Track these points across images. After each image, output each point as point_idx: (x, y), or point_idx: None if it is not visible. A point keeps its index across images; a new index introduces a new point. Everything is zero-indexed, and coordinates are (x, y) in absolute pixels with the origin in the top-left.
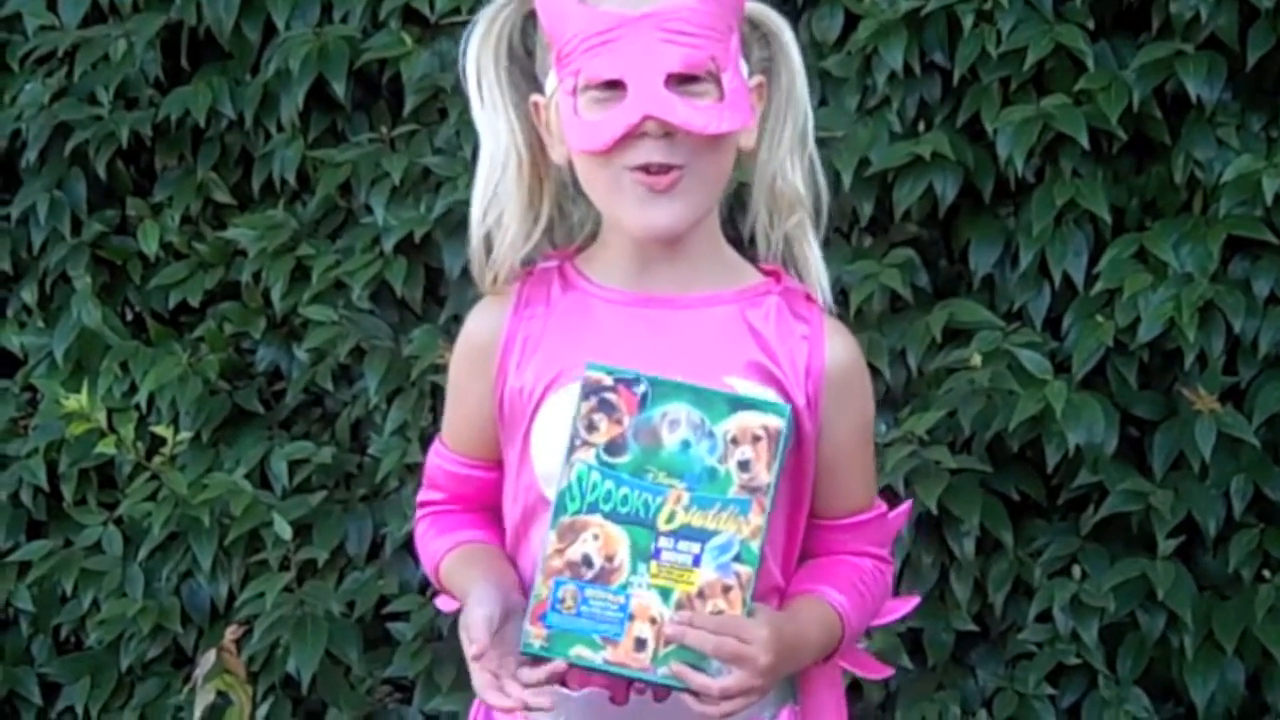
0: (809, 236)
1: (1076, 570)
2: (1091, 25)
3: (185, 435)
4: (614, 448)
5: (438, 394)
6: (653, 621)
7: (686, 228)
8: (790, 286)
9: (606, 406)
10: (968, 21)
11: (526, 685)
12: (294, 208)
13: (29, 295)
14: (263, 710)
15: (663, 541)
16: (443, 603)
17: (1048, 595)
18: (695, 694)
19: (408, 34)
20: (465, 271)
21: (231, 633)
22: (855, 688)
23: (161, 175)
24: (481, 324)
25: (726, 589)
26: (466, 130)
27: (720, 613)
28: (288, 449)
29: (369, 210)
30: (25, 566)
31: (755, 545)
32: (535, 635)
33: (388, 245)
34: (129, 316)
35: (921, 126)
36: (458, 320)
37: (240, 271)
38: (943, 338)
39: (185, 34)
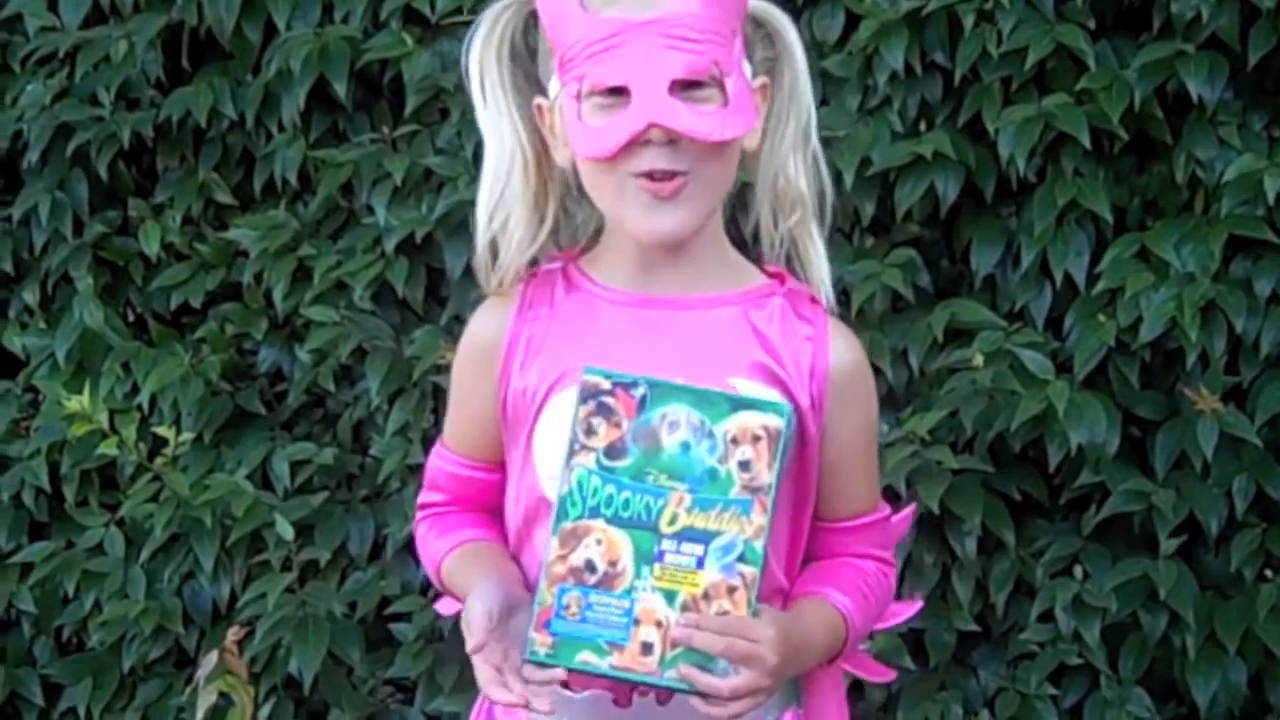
0: (812, 234)
1: (1078, 570)
2: (1093, 25)
3: (187, 436)
4: (614, 451)
5: (439, 395)
6: (658, 625)
7: (691, 233)
8: (794, 288)
9: (605, 410)
10: (969, 21)
11: (529, 683)
12: (295, 208)
13: (31, 296)
14: (265, 711)
15: (666, 544)
16: (442, 606)
17: (1050, 595)
18: (703, 695)
19: (409, 34)
20: (467, 272)
21: (233, 634)
22: (857, 688)
23: (163, 176)
24: (485, 325)
25: (731, 590)
26: (468, 130)
27: (726, 614)
28: (289, 450)
29: (370, 211)
30: (27, 568)
31: (758, 545)
32: (541, 643)
33: (389, 246)
34: (131, 317)
35: (923, 126)
36: (459, 321)
37: (242, 272)
38: (944, 338)
39: (186, 34)
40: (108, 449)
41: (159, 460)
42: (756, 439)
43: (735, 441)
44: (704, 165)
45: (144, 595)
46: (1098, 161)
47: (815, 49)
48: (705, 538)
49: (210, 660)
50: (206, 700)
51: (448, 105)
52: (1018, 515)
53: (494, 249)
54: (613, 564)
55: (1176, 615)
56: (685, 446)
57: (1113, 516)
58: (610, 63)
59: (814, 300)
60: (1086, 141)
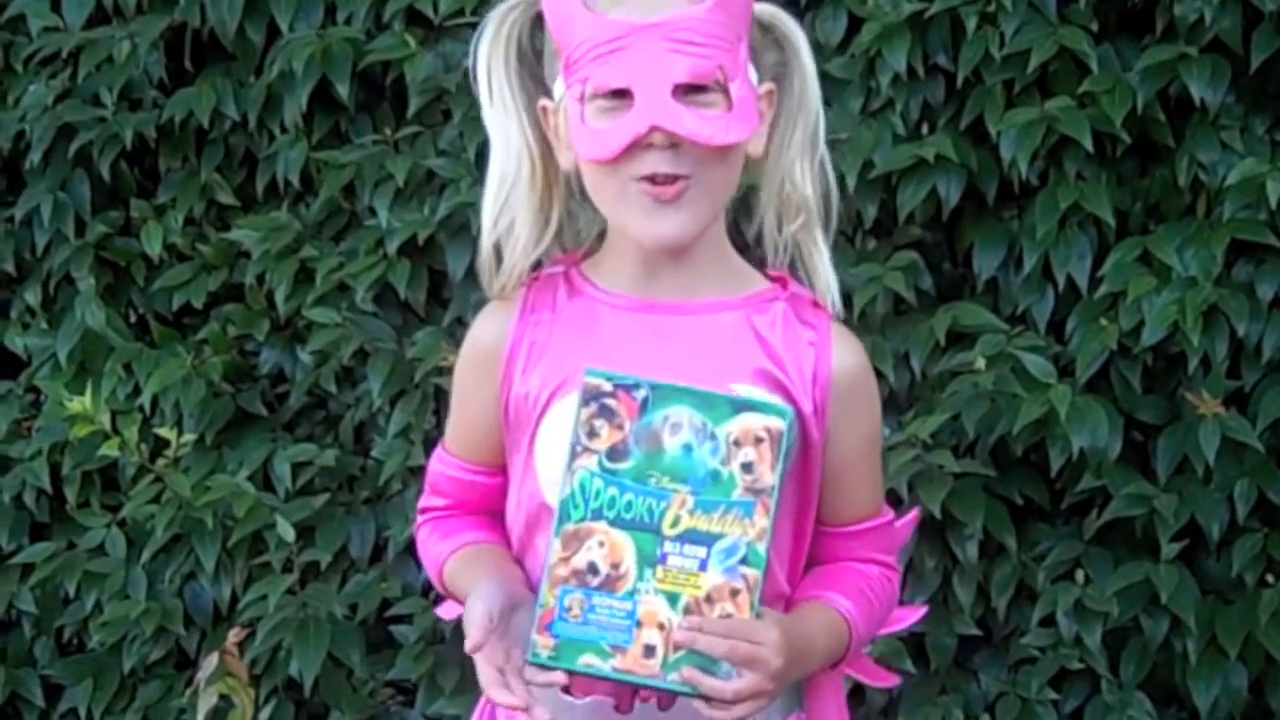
0: (817, 240)
1: (1080, 574)
2: (1095, 28)
3: (189, 437)
4: (616, 454)
5: (441, 397)
6: (661, 627)
7: (693, 238)
8: (797, 292)
9: (607, 412)
10: (971, 24)
11: (530, 685)
12: (297, 209)
13: (32, 297)
14: (265, 713)
15: (668, 546)
16: (444, 611)
17: (1051, 599)
18: (706, 699)
19: (411, 36)
20: (469, 274)
21: (234, 635)
22: (857, 692)
23: (165, 177)
24: (487, 329)
25: (734, 592)
26: (470, 132)
27: (729, 616)
28: (291, 451)
29: (372, 212)
30: (28, 569)
31: (761, 547)
32: (543, 645)
33: (391, 247)
34: (132, 318)
35: (925, 129)
36: (461, 323)
37: (244, 273)
38: (946, 341)
39: (189, 35)
40: (109, 450)
41: (160, 461)
42: (759, 441)
43: (738, 443)
44: (706, 170)
45: (145, 596)
46: (1100, 165)
47: (817, 51)
48: (708, 540)
49: (211, 662)
50: (207, 702)
51: (450, 107)
52: (1019, 519)
53: (498, 252)
54: (615, 566)
55: (1178, 620)
56: (687, 448)
57: (1114, 521)
58: (614, 65)
59: (817, 305)
60: (1089, 145)
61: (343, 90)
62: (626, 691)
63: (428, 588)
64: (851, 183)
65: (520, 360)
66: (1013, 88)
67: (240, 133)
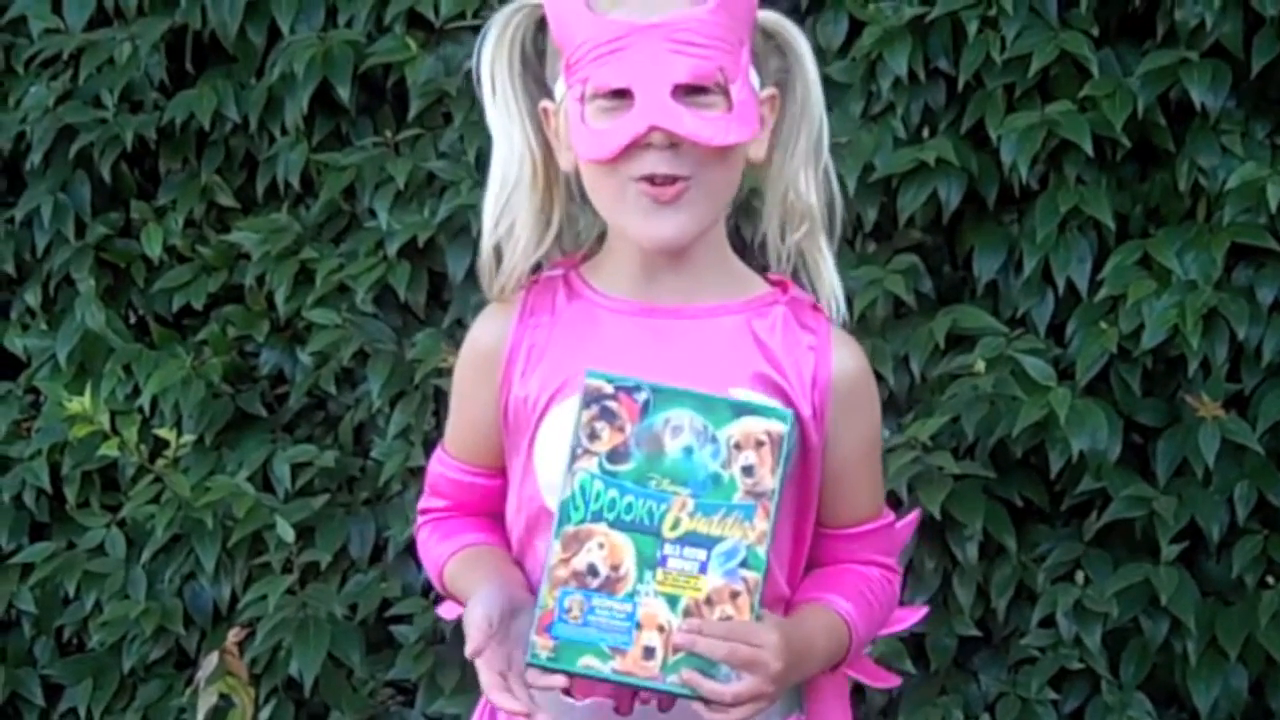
0: (822, 248)
1: (1080, 576)
2: (1096, 32)
3: (188, 438)
4: (616, 456)
5: (440, 398)
6: (660, 630)
7: (691, 239)
8: (797, 296)
9: (608, 414)
10: (972, 28)
11: (532, 687)
12: (298, 211)
13: (32, 298)
14: (265, 713)
15: (668, 549)
16: (444, 611)
17: (1051, 600)
18: (706, 701)
19: (412, 38)
20: (469, 276)
21: (234, 635)
22: (857, 692)
23: (165, 178)
24: (486, 331)
25: (734, 595)
26: (471, 135)
27: (729, 619)
28: (290, 452)
29: (373, 214)
30: (28, 568)
31: (761, 550)
32: (542, 646)
33: (391, 249)
34: (132, 319)
35: (926, 133)
36: (461, 324)
37: (244, 275)
38: (946, 344)
39: (190, 37)
40: (109, 450)
41: (160, 462)
42: (760, 444)
43: (738, 447)
44: (706, 171)
45: (145, 596)
46: (1100, 169)
47: (818, 55)
48: (708, 543)
49: (211, 661)
50: (207, 701)
51: (451, 109)
52: (1019, 521)
53: (498, 254)
54: (615, 568)
55: (1178, 621)
56: (688, 451)
57: (1114, 522)
58: (614, 65)
59: (816, 308)
60: (1089, 149)
61: (343, 92)
62: (626, 693)
63: (427, 588)
64: (852, 186)
65: (519, 363)
66: (1013, 92)
67: (241, 135)
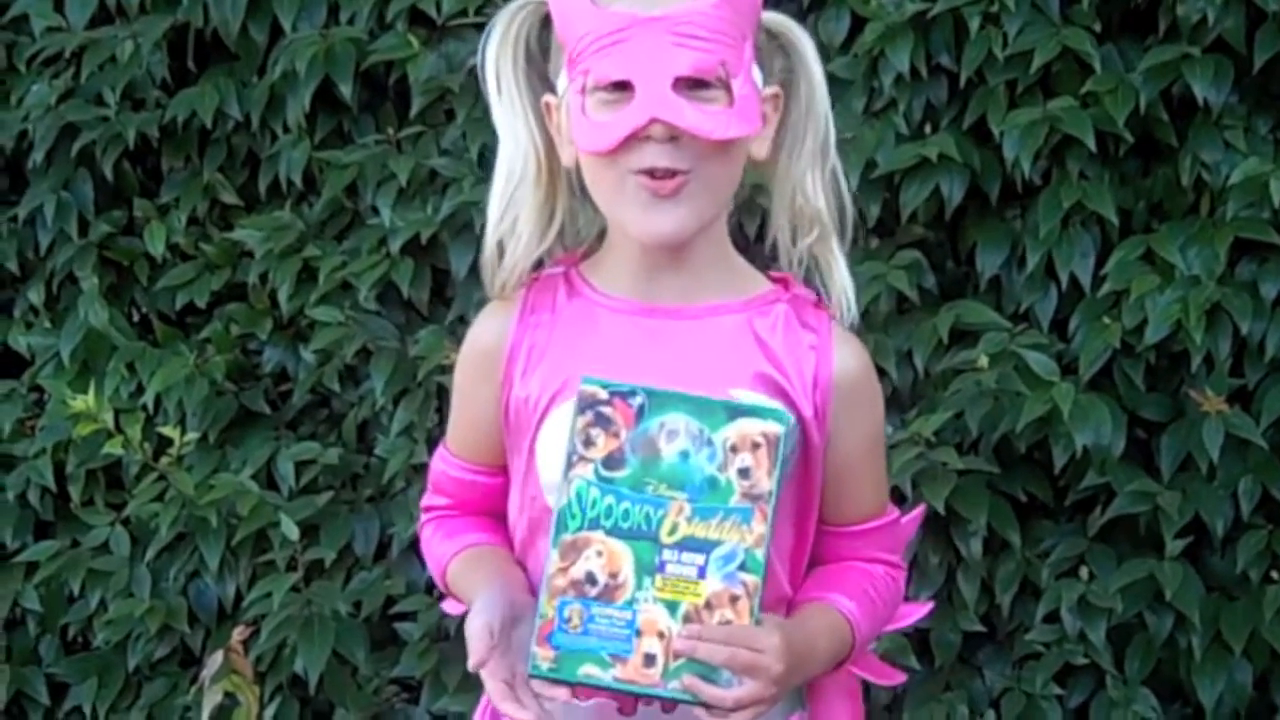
0: (834, 250)
1: (1084, 571)
2: (1098, 28)
3: (192, 436)
4: (612, 462)
5: (444, 395)
6: (661, 636)
7: (690, 234)
8: (798, 294)
9: (603, 420)
10: (974, 24)
11: (538, 696)
12: (300, 209)
13: (36, 296)
14: (270, 710)
15: (666, 554)
16: (449, 606)
17: (1055, 596)
18: (707, 706)
19: (414, 36)
20: (471, 272)
21: (239, 633)
22: (862, 689)
23: (168, 176)
24: (487, 329)
25: (734, 599)
26: (473, 132)
27: (729, 623)
28: (294, 450)
29: (375, 211)
30: (33, 567)
31: (760, 553)
32: (543, 657)
33: (394, 246)
34: (136, 317)
35: (928, 129)
36: (464, 321)
37: (247, 272)
38: (949, 339)
39: (192, 35)
40: (113, 448)
41: (164, 460)
42: (756, 446)
43: (735, 449)
44: (706, 165)
45: (149, 594)
46: (1103, 164)
47: (820, 51)
48: (706, 547)
49: (215, 659)
50: (212, 699)
51: (453, 106)
52: (1023, 516)
53: (501, 249)
54: (614, 576)
55: (1182, 616)
56: (684, 455)
57: (1118, 518)
58: (615, 57)
59: (818, 305)
60: (1092, 144)
61: (346, 90)
62: (629, 698)
63: (431, 585)
64: (854, 182)
65: (520, 362)
66: (1016, 88)
67: (243, 132)
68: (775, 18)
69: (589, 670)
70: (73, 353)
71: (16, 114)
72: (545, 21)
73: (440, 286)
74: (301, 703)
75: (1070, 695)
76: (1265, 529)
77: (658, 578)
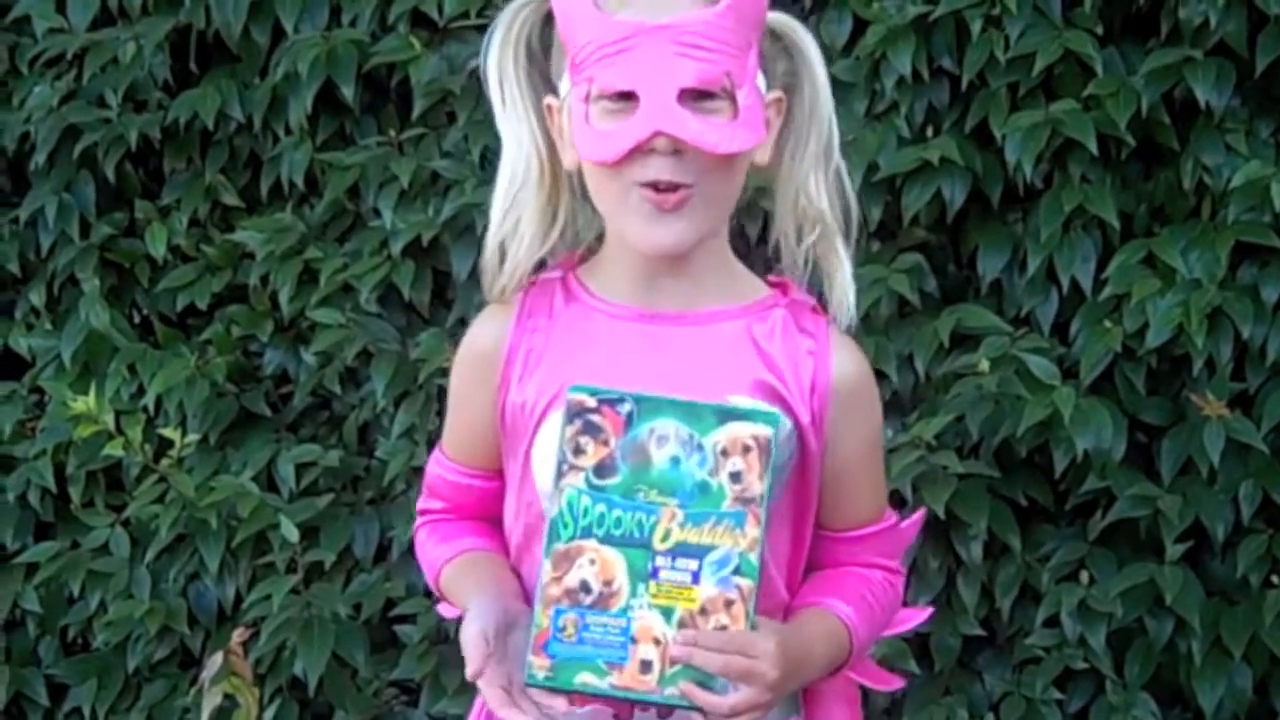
0: (838, 252)
1: (1084, 575)
2: (1100, 31)
3: (193, 438)
4: (603, 470)
5: (445, 397)
6: (656, 642)
7: (692, 246)
8: (797, 298)
9: (592, 429)
10: (976, 27)
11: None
12: (302, 211)
13: (37, 297)
14: (270, 712)
15: (660, 561)
16: (444, 609)
17: (1055, 600)
18: (703, 712)
19: (416, 38)
20: (473, 275)
21: (238, 635)
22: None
23: (170, 178)
24: (484, 333)
25: (729, 603)
26: (475, 134)
27: (724, 628)
28: (295, 451)
29: (377, 213)
30: (33, 568)
31: (754, 557)
32: (539, 666)
33: (395, 248)
34: (137, 319)
35: (930, 132)
36: (465, 324)
37: (248, 274)
38: (950, 343)
39: (194, 37)
40: (113, 450)
41: (164, 461)
42: (746, 450)
43: (725, 453)
44: (709, 178)
45: (149, 596)
46: (1105, 167)
47: (822, 54)
48: (699, 552)
49: (215, 661)
50: (211, 701)
51: (455, 108)
52: (1023, 520)
53: (502, 251)
54: (607, 583)
55: (1182, 621)
56: (675, 461)
57: (1119, 522)
58: (620, 66)
59: (816, 310)
60: (1094, 147)
61: (347, 92)
62: (625, 705)
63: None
64: (856, 185)
65: (517, 367)
66: (1017, 91)
67: (245, 134)
68: (779, 18)
69: (585, 678)
70: (74, 354)
71: (19, 115)
72: (547, 19)
73: (441, 289)
74: (301, 705)
75: (1070, 700)
76: (1266, 534)
77: (651, 584)
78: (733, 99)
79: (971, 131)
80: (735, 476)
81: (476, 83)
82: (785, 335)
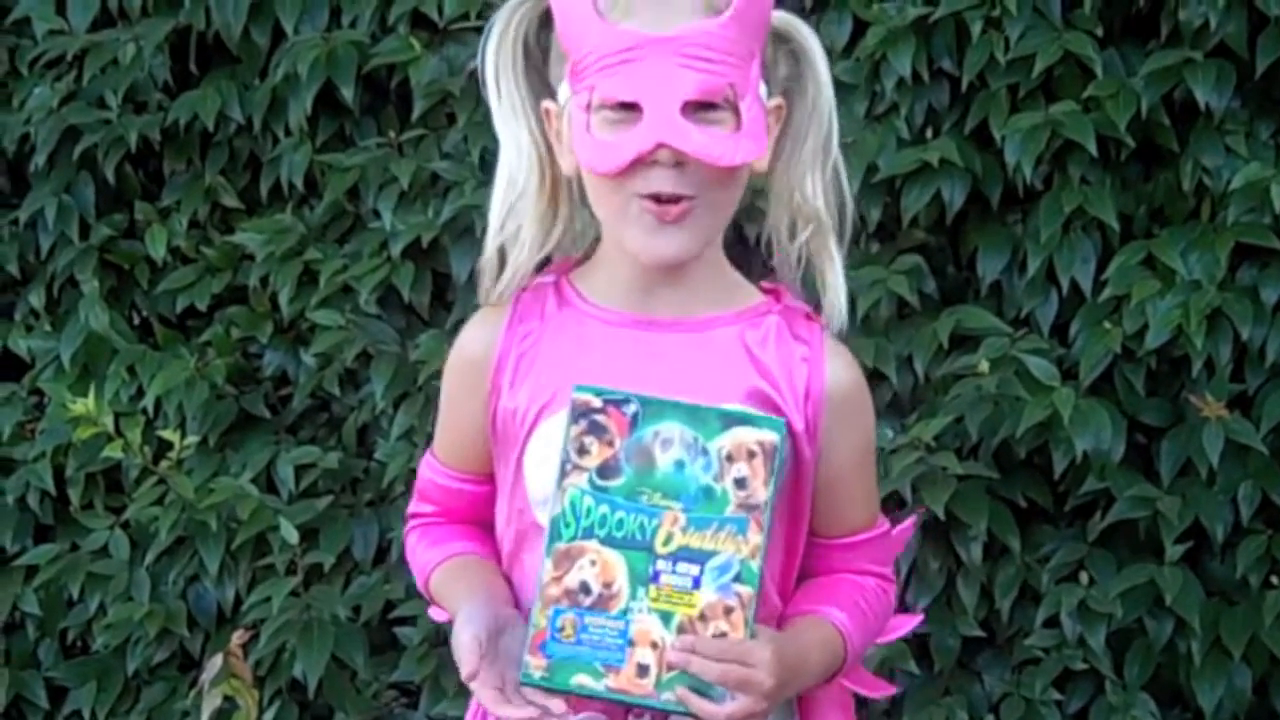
0: (831, 251)
1: (1084, 576)
2: (1100, 32)
3: (192, 439)
4: (607, 471)
5: None
6: (654, 646)
7: (692, 257)
8: (790, 304)
9: (597, 429)
10: (976, 28)
11: (531, 703)
12: (302, 212)
13: (36, 299)
14: (269, 715)
15: (661, 564)
16: (435, 612)
17: (1055, 601)
18: (699, 718)
19: (416, 39)
20: (473, 276)
21: (238, 637)
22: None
23: (169, 179)
24: (474, 338)
25: (728, 610)
26: (475, 135)
27: (723, 635)
28: (294, 453)
29: (377, 215)
30: (32, 570)
31: (755, 564)
32: (535, 666)
33: (395, 250)
34: (136, 321)
35: (930, 133)
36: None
37: (248, 276)
38: (950, 344)
39: (194, 38)
40: (113, 452)
41: (164, 463)
42: (752, 455)
43: (730, 458)
44: (711, 189)
45: (149, 598)
46: (1104, 169)
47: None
48: (701, 557)
49: (215, 664)
50: (211, 704)
51: (455, 110)
52: (1023, 521)
53: (502, 255)
54: (608, 585)
55: (1182, 621)
56: (679, 464)
57: (1118, 523)
58: (623, 77)
59: (810, 317)
60: (1093, 149)
61: (347, 93)
62: (620, 708)
63: None
64: (855, 186)
65: (508, 372)
66: (1017, 92)
67: (245, 135)
68: (782, 16)
69: (581, 680)
70: (73, 356)
71: (18, 117)
72: (544, 19)
73: (441, 290)
74: (300, 707)
75: (1070, 700)
76: (1265, 534)
77: (652, 588)
78: (735, 110)
79: (971, 133)
80: (740, 482)
81: (476, 84)
82: (779, 342)
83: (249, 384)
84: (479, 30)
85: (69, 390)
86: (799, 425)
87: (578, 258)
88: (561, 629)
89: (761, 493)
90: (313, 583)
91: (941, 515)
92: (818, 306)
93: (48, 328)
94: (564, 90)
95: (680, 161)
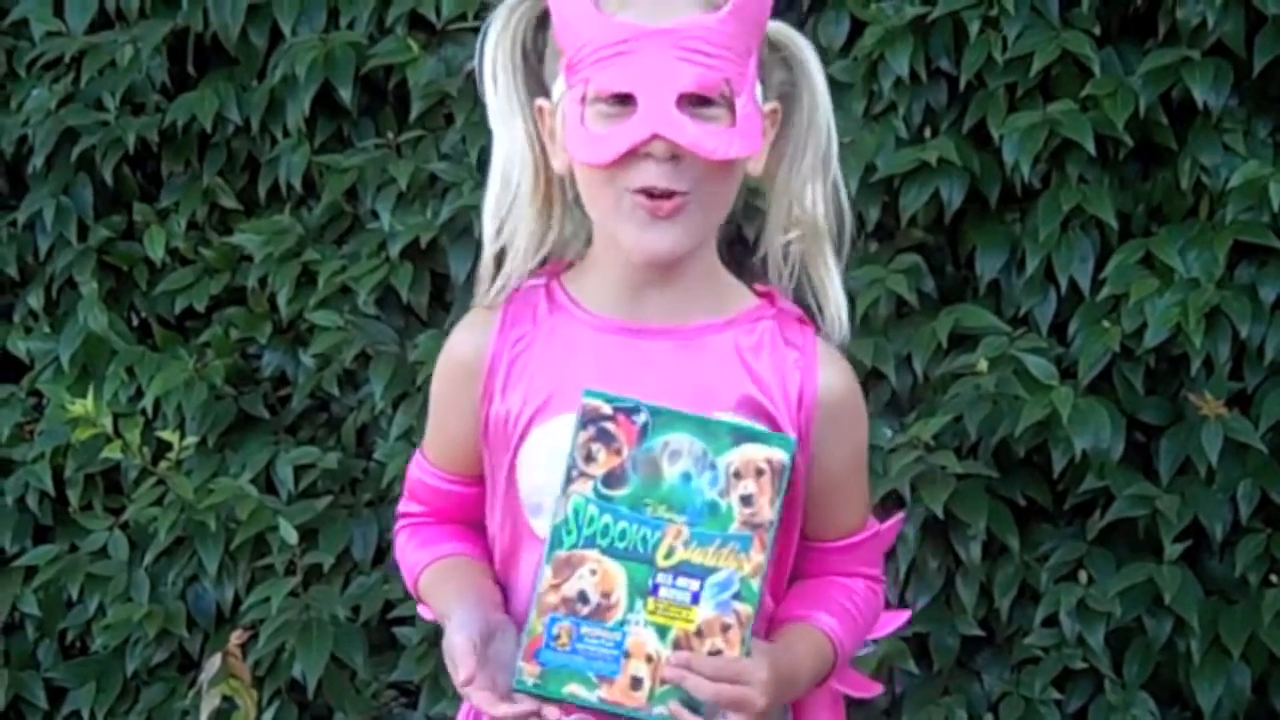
0: (828, 263)
1: (1083, 575)
2: (1098, 31)
3: (191, 440)
4: (612, 480)
5: None
6: (649, 660)
7: (684, 254)
8: (784, 309)
9: (605, 436)
10: (974, 28)
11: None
12: (300, 213)
13: (35, 301)
14: (268, 715)
15: (661, 578)
16: (425, 611)
17: (1054, 600)
18: None
19: (414, 40)
20: (471, 277)
21: (237, 637)
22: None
23: (168, 181)
24: (465, 342)
25: (725, 628)
26: (472, 136)
27: (718, 652)
28: (293, 454)
29: (375, 216)
30: (31, 571)
31: (755, 583)
32: (529, 672)
33: (394, 251)
34: (135, 322)
35: (928, 132)
36: None
37: (246, 277)
38: (949, 343)
39: (192, 40)
40: (112, 453)
41: (163, 464)
42: (760, 473)
43: (738, 475)
44: (705, 185)
45: (148, 599)
46: (1102, 168)
47: (820, 55)
48: (702, 573)
49: (214, 664)
50: (210, 704)
51: (452, 111)
52: (1022, 520)
53: (499, 257)
54: (606, 595)
55: (1181, 620)
56: (686, 478)
57: (1117, 521)
58: (618, 69)
59: (803, 321)
60: (1091, 148)
61: (345, 94)
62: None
63: None
64: (854, 186)
65: (499, 378)
66: (1015, 91)
67: (243, 137)
68: (778, 28)
69: (574, 689)
70: (72, 357)
71: (16, 119)
72: (540, 21)
73: (440, 291)
74: (300, 707)
75: (1069, 699)
76: (1264, 533)
77: (650, 601)
78: (731, 106)
79: (969, 132)
80: (746, 499)
81: (474, 85)
82: (772, 348)
83: (248, 385)
84: (476, 31)
85: (68, 391)
86: (791, 433)
87: (569, 260)
88: (557, 637)
89: (767, 511)
90: (312, 583)
91: (941, 514)
92: (810, 313)
93: (46, 329)
94: (558, 86)
95: (674, 156)
